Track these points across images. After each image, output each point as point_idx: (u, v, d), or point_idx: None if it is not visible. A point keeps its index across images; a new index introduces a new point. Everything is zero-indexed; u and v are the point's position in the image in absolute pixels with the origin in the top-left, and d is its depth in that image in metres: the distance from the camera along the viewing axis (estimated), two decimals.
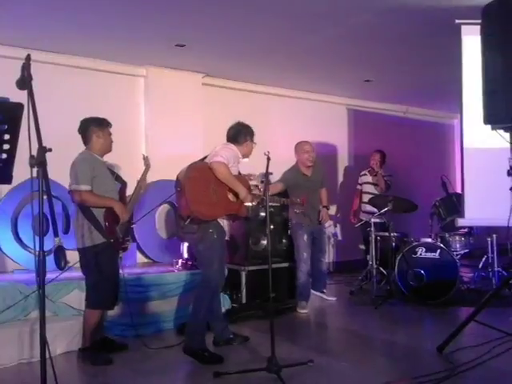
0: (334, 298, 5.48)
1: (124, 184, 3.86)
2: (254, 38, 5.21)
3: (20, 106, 1.68)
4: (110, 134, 3.78)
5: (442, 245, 5.28)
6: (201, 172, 3.52)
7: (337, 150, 7.92)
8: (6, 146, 1.70)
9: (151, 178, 5.87)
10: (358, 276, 6.02)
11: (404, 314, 4.91)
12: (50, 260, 5.26)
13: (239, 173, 3.81)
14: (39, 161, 1.86)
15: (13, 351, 3.53)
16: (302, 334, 4.34)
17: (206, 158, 3.68)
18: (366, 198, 6.42)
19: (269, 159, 3.28)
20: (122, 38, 5.16)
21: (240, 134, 3.78)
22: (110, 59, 5.77)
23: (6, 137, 1.68)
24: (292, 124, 7.10)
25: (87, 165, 3.54)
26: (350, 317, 4.93)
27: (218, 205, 3.52)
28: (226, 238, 3.74)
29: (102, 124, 3.70)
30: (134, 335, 3.90)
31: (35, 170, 1.89)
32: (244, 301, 5.04)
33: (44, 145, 1.90)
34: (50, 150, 1.91)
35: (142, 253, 5.79)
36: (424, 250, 5.26)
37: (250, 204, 3.71)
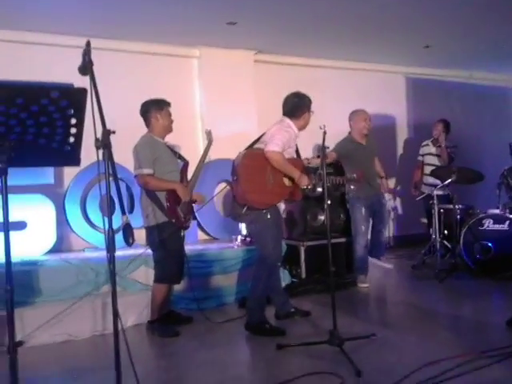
0: (390, 266, 5.45)
1: (186, 163, 3.95)
2: (304, 10, 5.09)
3: (84, 90, 1.76)
4: (170, 114, 3.84)
5: (511, 216, 5.02)
6: (255, 159, 3.51)
7: (395, 121, 7.67)
8: (74, 130, 1.79)
9: (209, 157, 6.00)
10: (420, 250, 5.86)
11: (470, 287, 4.75)
12: (118, 238, 5.58)
13: (297, 150, 3.79)
14: (104, 143, 1.94)
15: (87, 324, 3.77)
16: (364, 309, 4.32)
17: (261, 137, 3.67)
18: (428, 169, 6.19)
19: (325, 133, 3.24)
20: (174, 20, 5.21)
21: (297, 108, 3.68)
22: (164, 42, 5.86)
23: (73, 121, 1.77)
24: (348, 97, 6.91)
25: (148, 148, 3.65)
26: (413, 291, 4.84)
27: (273, 192, 3.53)
28: (283, 215, 3.77)
29: (160, 105, 3.79)
30: (198, 309, 4.04)
31: (101, 152, 1.97)
32: (304, 276, 5.07)
33: (108, 128, 1.97)
34: (114, 132, 1.99)
35: (203, 230, 5.94)
36: (492, 221, 5.04)
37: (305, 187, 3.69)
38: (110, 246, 1.95)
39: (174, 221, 3.61)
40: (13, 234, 4.86)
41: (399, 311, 4.14)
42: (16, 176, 4.64)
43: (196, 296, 4.20)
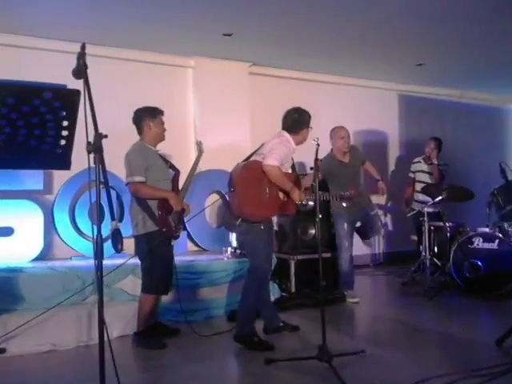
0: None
1: (177, 172, 3.91)
2: (300, 25, 5.14)
3: (77, 92, 1.73)
4: (163, 123, 3.82)
5: (500, 235, 5.04)
6: (253, 172, 3.51)
7: (387, 137, 7.72)
8: (65, 133, 1.76)
9: (200, 168, 5.96)
10: (410, 267, 5.85)
11: (459, 306, 4.74)
12: (106, 246, 5.49)
13: (293, 166, 3.79)
14: (96, 147, 1.90)
15: (71, 334, 3.69)
16: (353, 325, 4.29)
17: (258, 149, 3.66)
18: (419, 186, 6.21)
19: (318, 145, 3.23)
20: (170, 30, 5.22)
21: (296, 124, 3.69)
22: (160, 51, 5.87)
23: (65, 123, 1.73)
24: (341, 112, 6.94)
25: (139, 156, 3.62)
26: (402, 308, 4.81)
27: (269, 205, 3.53)
28: (275, 228, 3.75)
29: (153, 113, 3.76)
30: (186, 321, 3.96)
31: (92, 156, 1.93)
32: (293, 290, 5.03)
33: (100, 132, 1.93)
34: (106, 136, 1.96)
35: (193, 241, 5.88)
36: (481, 240, 5.04)
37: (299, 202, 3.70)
38: (98, 253, 1.90)
39: (164, 230, 3.57)
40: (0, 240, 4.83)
41: (388, 328, 4.11)
42: (4, 181, 4.65)
43: (184, 308, 4.12)
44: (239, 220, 3.52)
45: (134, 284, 4.14)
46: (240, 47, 5.80)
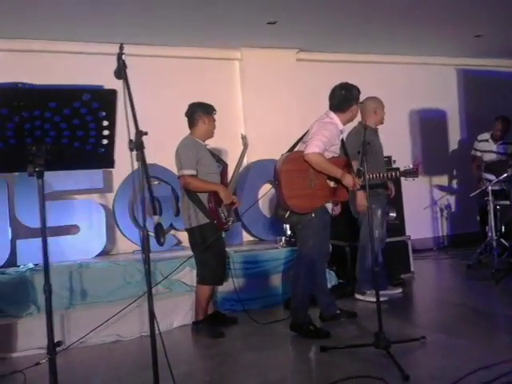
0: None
1: (225, 165, 3.96)
2: (347, 4, 4.98)
3: (113, 91, 1.78)
4: (215, 121, 3.88)
5: None
6: (296, 163, 3.43)
7: (446, 116, 7.35)
8: (106, 132, 1.81)
9: (251, 158, 5.99)
10: (476, 250, 5.57)
11: None
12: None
13: (343, 147, 3.66)
14: (137, 144, 1.95)
15: (135, 325, 3.83)
16: (414, 310, 4.16)
17: (303, 136, 3.61)
18: (482, 166, 5.86)
19: (366, 128, 3.14)
20: (213, 23, 5.23)
21: (344, 102, 3.55)
22: (205, 45, 5.91)
23: (105, 123, 1.79)
24: (395, 92, 6.68)
25: (190, 150, 3.68)
26: (468, 292, 4.61)
27: (316, 195, 3.44)
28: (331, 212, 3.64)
29: (209, 110, 3.83)
30: (244, 310, 4.02)
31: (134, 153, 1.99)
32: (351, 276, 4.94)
33: (141, 129, 1.98)
34: (146, 133, 2.00)
35: (248, 232, 5.93)
36: None
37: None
38: (146, 247, 1.96)
39: (215, 222, 3.62)
40: (66, 238, 5.11)
41: (452, 313, 3.94)
42: (66, 181, 4.90)
43: (241, 297, 4.20)
44: (288, 213, 3.46)
45: (191, 275, 4.24)
46: (285, 34, 5.73)
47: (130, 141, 1.97)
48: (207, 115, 3.79)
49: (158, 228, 1.91)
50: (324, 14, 5.20)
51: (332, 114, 3.58)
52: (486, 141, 5.98)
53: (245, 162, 6.11)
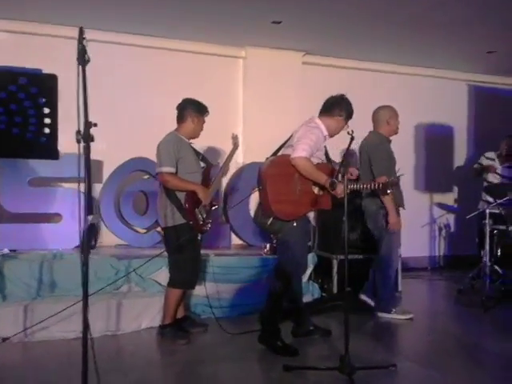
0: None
1: (209, 165, 3.81)
2: (355, 8, 4.80)
3: (53, 76, 1.64)
4: (204, 122, 3.74)
5: None
6: (282, 167, 3.27)
7: (453, 131, 7.12)
8: (48, 120, 1.67)
9: (247, 159, 5.84)
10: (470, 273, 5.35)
11: None
12: (145, 237, 5.45)
13: (326, 153, 3.51)
14: (85, 136, 1.81)
15: (100, 323, 3.69)
16: (392, 334, 3.94)
17: (288, 140, 3.46)
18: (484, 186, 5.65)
19: (352, 139, 2.96)
20: (219, 19, 5.11)
21: (336, 106, 3.43)
22: (211, 41, 5.79)
23: (46, 111, 1.65)
24: (402, 104, 6.39)
25: (171, 146, 3.54)
26: (454, 319, 4.41)
27: (301, 202, 3.29)
28: (312, 223, 3.50)
29: (200, 110, 3.68)
30: (214, 317, 3.86)
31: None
32: (335, 291, 4.78)
33: (90, 120, 1.84)
34: (95, 124, 1.86)
35: (236, 235, 5.77)
36: None
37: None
38: (84, 247, 1.81)
39: (191, 223, 3.47)
40: (47, 226, 5.00)
41: (432, 341, 3.73)
42: (50, 168, 4.76)
43: (217, 304, 4.07)
44: (270, 219, 3.29)
45: (167, 275, 4.10)
46: (291, 36, 5.58)
47: (78, 132, 1.83)
48: (198, 115, 3.65)
49: (91, 229, 1.76)
50: (332, 18, 5.05)
51: (317, 120, 3.45)
52: (493, 160, 5.76)
53: (240, 162, 5.98)
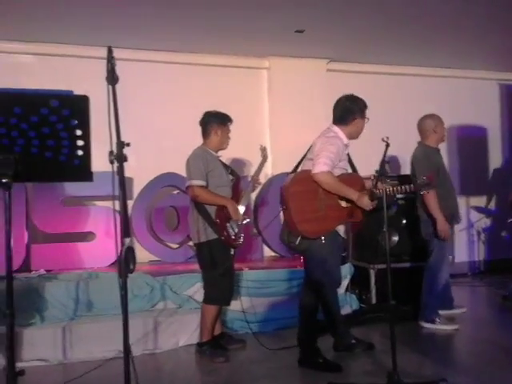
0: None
1: (238, 178, 3.76)
2: (377, 13, 4.72)
3: (84, 98, 1.62)
4: (229, 132, 3.69)
5: None
6: (304, 184, 3.11)
7: (487, 133, 6.91)
8: (81, 143, 1.65)
9: (275, 170, 5.78)
10: None
11: None
12: (177, 252, 5.43)
13: (350, 161, 3.35)
14: (118, 156, 1.78)
15: (138, 342, 3.66)
16: (438, 346, 3.77)
17: (307, 153, 3.31)
18: None
19: (387, 146, 2.85)
20: (241, 31, 5.12)
21: (347, 113, 3.26)
22: (235, 54, 5.79)
23: (79, 132, 1.62)
24: (431, 106, 6.21)
25: (200, 160, 3.51)
26: (501, 327, 4.20)
27: (328, 217, 3.12)
28: (342, 235, 3.36)
29: (223, 121, 3.64)
30: (252, 333, 3.79)
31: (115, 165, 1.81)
32: (374, 301, 4.64)
33: (122, 140, 1.81)
34: (128, 144, 1.83)
35: (269, 246, 5.70)
36: None
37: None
38: (123, 271, 1.77)
39: (222, 238, 3.41)
40: (82, 245, 5.03)
41: (480, 352, 3.55)
42: (82, 187, 4.80)
43: (253, 318, 3.99)
44: (299, 239, 3.13)
45: (201, 291, 4.05)
46: (315, 44, 5.54)
47: (111, 152, 1.80)
48: (221, 126, 3.61)
49: (128, 252, 1.72)
50: (354, 24, 4.99)
51: (335, 128, 3.29)
52: None
53: (269, 174, 5.92)
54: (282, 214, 3.29)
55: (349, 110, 3.27)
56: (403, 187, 3.14)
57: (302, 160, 3.35)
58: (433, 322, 4.02)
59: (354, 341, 3.53)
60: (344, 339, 3.51)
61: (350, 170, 3.38)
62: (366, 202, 3.11)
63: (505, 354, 3.48)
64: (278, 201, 4.74)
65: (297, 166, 3.36)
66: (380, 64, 6.28)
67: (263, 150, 3.98)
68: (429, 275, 4.08)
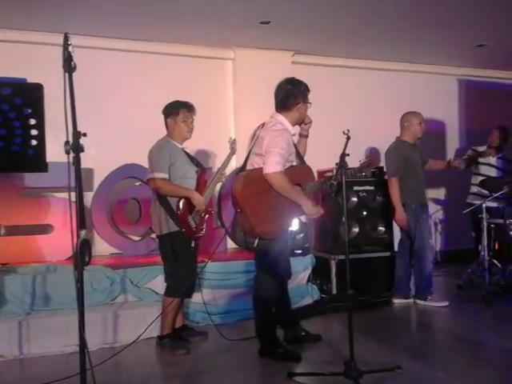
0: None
1: (204, 170, 3.72)
2: (344, 7, 4.76)
3: (38, 86, 1.56)
4: (188, 119, 3.58)
5: None
6: (256, 184, 2.98)
7: (445, 126, 7.12)
8: (35, 132, 1.59)
9: (240, 162, 5.74)
10: (469, 268, 5.31)
11: None
12: (138, 245, 5.35)
13: (298, 153, 3.24)
14: (74, 146, 1.73)
15: (97, 336, 3.60)
16: (395, 334, 3.88)
17: (253, 143, 3.20)
18: (476, 179, 5.62)
19: (348, 139, 2.89)
20: (208, 21, 5.05)
21: (289, 98, 3.11)
22: (199, 44, 5.72)
23: (33, 121, 1.57)
24: (393, 100, 6.45)
25: (162, 152, 3.46)
26: (455, 315, 4.36)
27: (283, 215, 3.06)
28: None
29: (176, 108, 3.56)
30: (215, 324, 3.80)
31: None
32: (334, 291, 4.73)
33: (80, 130, 1.76)
34: (85, 134, 1.78)
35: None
36: None
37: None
38: (78, 263, 1.73)
39: (184, 230, 3.39)
40: (37, 238, 4.88)
41: (436, 339, 3.69)
42: (38, 178, 4.65)
43: (214, 310, 4.00)
44: (257, 240, 3.00)
45: (163, 284, 4.02)
46: (280, 36, 5.53)
47: (67, 142, 1.75)
48: (175, 115, 3.54)
49: (84, 245, 1.68)
50: (320, 16, 5.00)
51: (280, 117, 3.15)
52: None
53: (233, 166, 5.90)
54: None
55: (291, 94, 3.13)
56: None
57: (248, 155, 3.21)
58: (425, 299, 4.51)
59: (303, 333, 3.55)
60: (293, 331, 3.52)
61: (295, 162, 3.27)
62: (312, 211, 3.07)
63: (459, 340, 3.63)
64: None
65: (245, 163, 3.22)
66: (344, 57, 6.35)
67: (232, 142, 3.93)
68: (416, 260, 4.55)
